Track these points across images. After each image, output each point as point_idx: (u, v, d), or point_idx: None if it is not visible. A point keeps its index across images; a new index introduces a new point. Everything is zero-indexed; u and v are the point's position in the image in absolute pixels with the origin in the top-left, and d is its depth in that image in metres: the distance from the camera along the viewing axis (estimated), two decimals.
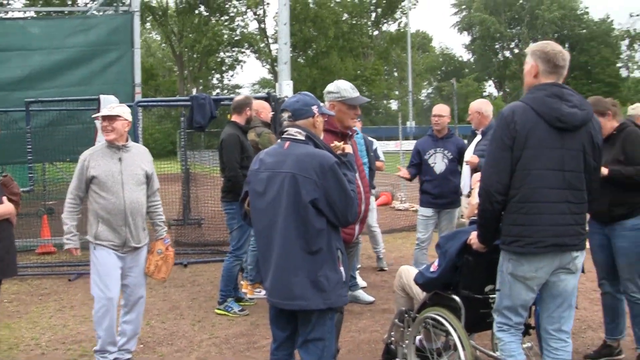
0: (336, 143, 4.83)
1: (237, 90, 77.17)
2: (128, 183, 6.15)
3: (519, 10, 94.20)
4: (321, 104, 4.80)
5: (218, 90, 75.57)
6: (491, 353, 5.58)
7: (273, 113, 9.41)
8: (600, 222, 5.82)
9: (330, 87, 5.31)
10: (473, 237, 4.78)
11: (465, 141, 8.98)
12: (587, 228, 4.58)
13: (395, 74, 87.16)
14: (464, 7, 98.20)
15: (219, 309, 8.33)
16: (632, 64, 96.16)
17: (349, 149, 4.92)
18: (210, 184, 15.22)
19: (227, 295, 8.35)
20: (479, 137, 8.14)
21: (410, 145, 21.36)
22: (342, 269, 4.57)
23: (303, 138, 4.57)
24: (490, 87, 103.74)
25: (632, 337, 6.25)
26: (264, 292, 8.98)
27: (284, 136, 4.66)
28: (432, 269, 5.17)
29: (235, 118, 8.39)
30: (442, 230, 8.93)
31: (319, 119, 4.68)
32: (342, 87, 5.24)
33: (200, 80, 75.47)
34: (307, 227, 4.40)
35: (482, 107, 8.23)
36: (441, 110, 8.84)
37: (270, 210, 4.51)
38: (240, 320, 8.02)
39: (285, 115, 4.72)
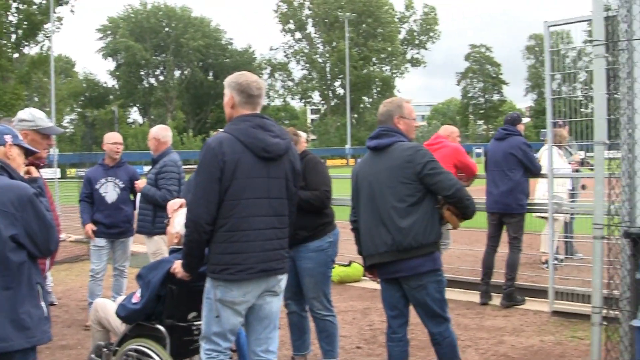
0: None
1: None
2: None
3: (164, 37, 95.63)
4: (20, 137, 4.55)
5: None
6: None
7: None
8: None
9: (23, 114, 5.03)
10: (177, 266, 4.79)
11: (148, 167, 8.92)
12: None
13: (36, 99, 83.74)
14: (109, 32, 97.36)
15: None
16: (273, 92, 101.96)
17: (35, 172, 4.74)
18: None
19: None
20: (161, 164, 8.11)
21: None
22: (43, 303, 4.36)
23: None
24: (135, 114, 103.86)
25: (315, 352, 6.68)
26: None
27: None
28: (134, 300, 5.10)
29: None
30: (116, 261, 8.80)
31: (12, 150, 4.40)
32: (37, 116, 5.01)
33: None
34: (6, 264, 4.13)
35: (159, 133, 8.25)
36: (119, 137, 8.72)
37: None
38: None
39: None
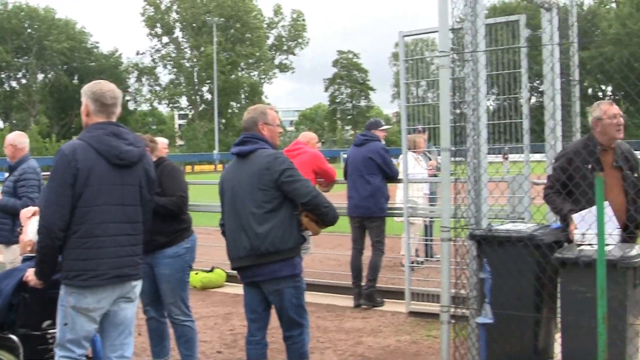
0: None
1: None
2: None
3: (26, 39, 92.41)
4: None
5: None
6: None
7: None
8: (144, 251, 6.13)
9: None
10: (30, 274, 4.73)
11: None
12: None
13: None
14: None
15: None
16: (140, 97, 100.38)
17: None
18: None
19: None
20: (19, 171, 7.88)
21: None
22: None
23: None
24: None
25: (175, 357, 6.69)
26: None
27: None
28: None
29: None
30: None
31: None
32: None
33: None
34: None
35: (16, 140, 8.03)
36: None
37: None
38: None
39: None
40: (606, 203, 5.08)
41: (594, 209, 4.65)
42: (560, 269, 5.16)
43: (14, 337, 4.93)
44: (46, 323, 5.04)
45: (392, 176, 9.21)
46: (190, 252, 6.38)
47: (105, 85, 4.74)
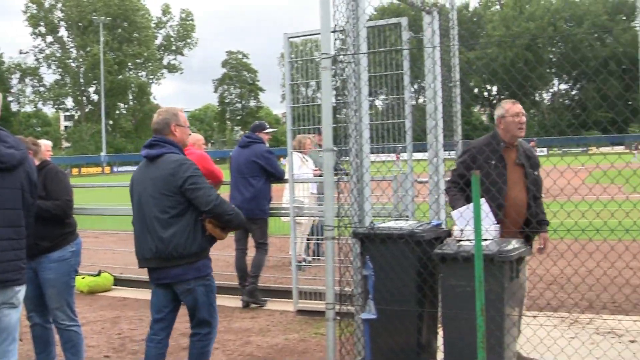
0: None
1: None
2: None
3: None
4: None
5: None
6: None
7: None
8: (28, 256, 6.00)
9: None
10: None
11: None
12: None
13: None
14: None
15: None
16: (23, 98, 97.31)
17: None
18: None
19: None
20: None
21: None
22: None
23: None
24: None
25: None
26: None
27: None
28: None
29: None
30: None
31: None
32: None
33: None
34: None
35: None
36: None
37: None
38: None
39: None
40: (482, 200, 5.29)
41: (472, 205, 4.79)
42: (440, 264, 5.32)
43: None
44: None
45: (278, 177, 9.31)
46: (76, 256, 6.28)
47: None
